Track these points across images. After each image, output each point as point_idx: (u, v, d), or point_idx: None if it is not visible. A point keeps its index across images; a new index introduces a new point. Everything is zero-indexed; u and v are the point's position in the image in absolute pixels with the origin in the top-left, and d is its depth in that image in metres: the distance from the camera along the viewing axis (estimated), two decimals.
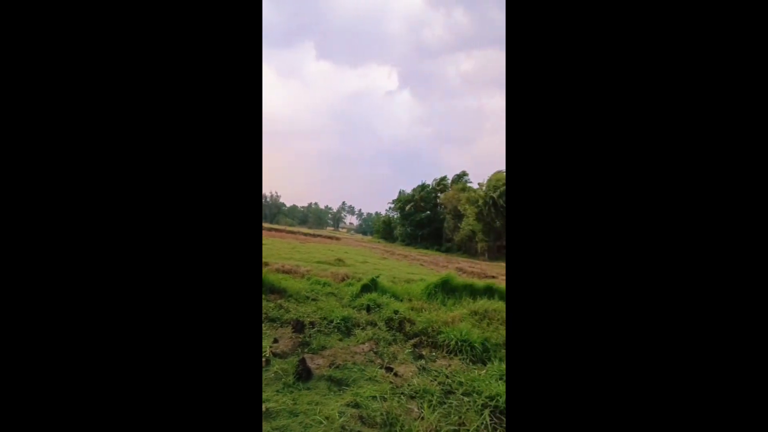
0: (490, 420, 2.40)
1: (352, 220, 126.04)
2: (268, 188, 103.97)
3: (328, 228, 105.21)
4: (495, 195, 32.11)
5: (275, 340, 3.56)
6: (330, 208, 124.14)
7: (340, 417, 2.26)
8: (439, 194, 45.60)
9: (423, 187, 47.90)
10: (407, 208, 47.64)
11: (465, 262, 22.68)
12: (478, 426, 2.33)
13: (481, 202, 32.95)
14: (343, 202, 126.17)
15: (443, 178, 46.76)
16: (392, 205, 53.26)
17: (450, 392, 2.79)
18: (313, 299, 5.36)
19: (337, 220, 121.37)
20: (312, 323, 4.16)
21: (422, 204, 46.43)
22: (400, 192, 51.02)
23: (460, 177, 44.36)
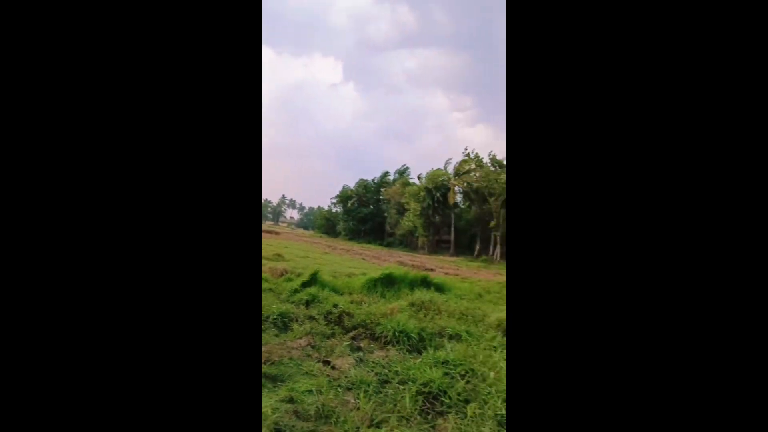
0: (423, 405, 2.51)
1: (293, 214, 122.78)
2: None
3: (268, 222, 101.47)
4: (432, 188, 33.29)
5: None
6: (269, 202, 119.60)
7: (274, 413, 2.21)
8: (381, 189, 46.09)
9: (365, 182, 48.10)
10: (350, 203, 47.55)
11: (406, 256, 23.25)
12: (411, 411, 2.41)
13: (422, 196, 33.91)
14: (283, 196, 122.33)
15: (385, 174, 47.36)
16: (335, 200, 52.83)
17: (386, 381, 2.85)
18: None
19: (276, 214, 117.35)
20: None
21: (365, 199, 46.64)
22: (343, 186, 50.78)
23: (403, 172, 45.23)
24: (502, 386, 2.62)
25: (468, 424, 2.29)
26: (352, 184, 49.65)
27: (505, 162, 30.24)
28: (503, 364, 3.15)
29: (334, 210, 54.88)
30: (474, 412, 2.39)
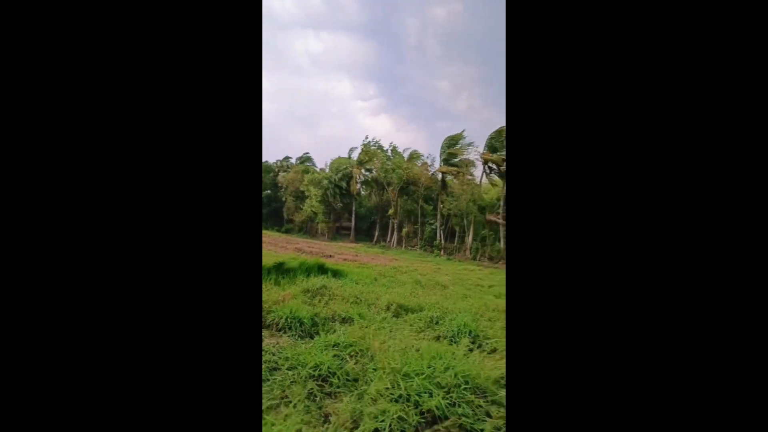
0: (311, 388, 2.54)
1: None
2: None
3: None
4: (337, 178, 33.19)
5: None
6: None
7: None
8: (281, 174, 44.24)
9: (265, 165, 45.56)
10: None
11: (305, 243, 22.88)
12: (299, 395, 2.42)
13: (325, 183, 33.54)
14: None
15: (286, 158, 45.55)
16: None
17: (275, 369, 2.80)
18: None
19: None
20: None
21: (264, 183, 44.20)
22: None
23: (304, 161, 44.01)
24: (386, 362, 2.80)
25: (355, 402, 2.40)
26: None
27: (403, 152, 31.67)
28: (391, 342, 3.36)
29: None
30: (360, 390, 2.51)
